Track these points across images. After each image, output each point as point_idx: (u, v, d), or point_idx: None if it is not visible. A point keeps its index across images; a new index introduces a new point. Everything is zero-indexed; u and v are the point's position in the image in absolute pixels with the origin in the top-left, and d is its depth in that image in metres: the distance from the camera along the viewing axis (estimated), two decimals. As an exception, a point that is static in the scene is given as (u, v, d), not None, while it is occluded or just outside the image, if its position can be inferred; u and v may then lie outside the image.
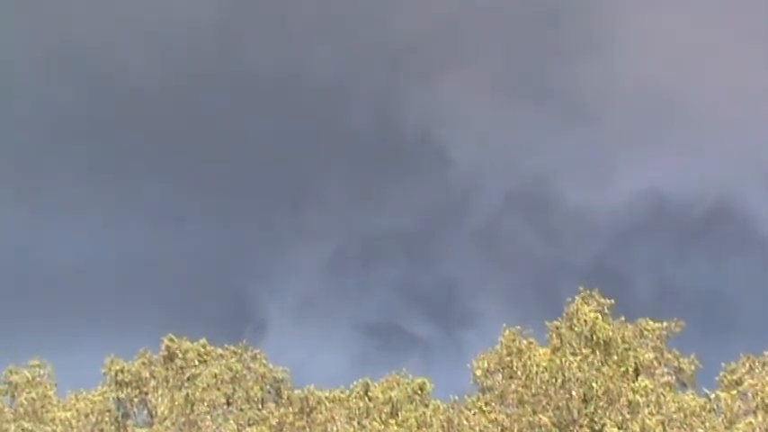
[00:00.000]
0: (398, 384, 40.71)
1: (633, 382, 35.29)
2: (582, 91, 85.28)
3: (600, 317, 36.98)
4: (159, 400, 42.94)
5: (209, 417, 41.42)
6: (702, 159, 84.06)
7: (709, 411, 35.19)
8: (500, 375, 37.27)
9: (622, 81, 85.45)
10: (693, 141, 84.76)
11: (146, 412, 43.50)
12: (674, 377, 37.85)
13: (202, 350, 44.31)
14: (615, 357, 36.29)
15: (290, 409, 40.39)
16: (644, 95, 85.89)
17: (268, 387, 43.59)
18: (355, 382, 41.11)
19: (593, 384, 34.75)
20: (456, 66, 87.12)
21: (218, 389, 42.42)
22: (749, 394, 37.09)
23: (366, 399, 39.90)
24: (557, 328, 37.28)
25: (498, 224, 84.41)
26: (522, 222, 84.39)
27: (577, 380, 34.90)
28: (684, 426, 34.13)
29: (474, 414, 35.93)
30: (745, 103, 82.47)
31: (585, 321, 36.81)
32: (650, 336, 38.18)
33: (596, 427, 34.46)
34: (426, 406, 38.76)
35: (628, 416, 34.30)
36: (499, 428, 35.13)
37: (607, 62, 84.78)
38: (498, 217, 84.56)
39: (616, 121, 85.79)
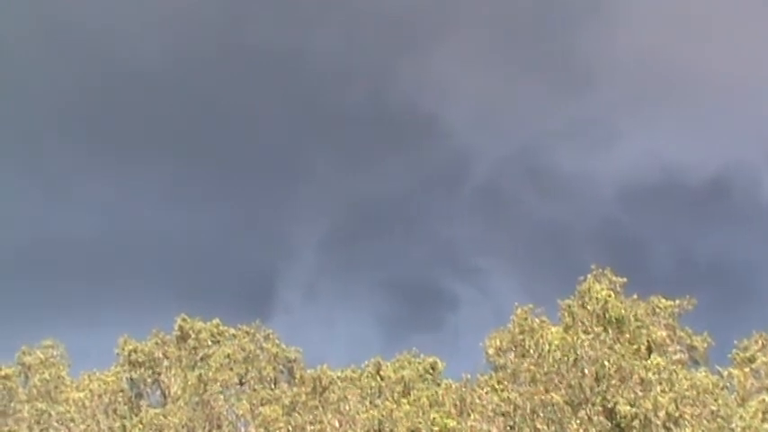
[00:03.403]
0: (410, 363, 40.76)
1: (645, 359, 35.22)
2: (584, 58, 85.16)
3: (612, 295, 36.93)
4: (172, 380, 43.00)
5: (222, 397, 41.45)
6: (705, 127, 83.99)
7: (722, 389, 35.13)
8: (512, 354, 37.23)
9: (624, 49, 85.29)
10: (696, 109, 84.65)
11: (159, 392, 43.58)
12: (686, 355, 37.76)
13: (215, 330, 44.36)
14: (627, 335, 36.24)
15: (303, 389, 40.39)
16: (646, 63, 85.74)
17: (281, 367, 43.64)
18: (367, 362, 41.20)
19: (606, 362, 34.68)
20: (454, 34, 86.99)
21: (231, 369, 42.45)
22: (762, 372, 37.07)
23: (378, 378, 39.94)
24: (569, 306, 37.24)
25: (498, 188, 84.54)
26: (523, 187, 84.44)
27: (590, 358, 34.85)
28: (697, 403, 34.06)
29: (486, 392, 35.91)
30: (747, 70, 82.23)
31: (597, 299, 36.76)
32: (662, 313, 38.10)
33: (608, 405, 34.41)
34: (438, 385, 38.80)
35: (640, 394, 34.24)
36: (511, 407, 35.09)
37: (609, 29, 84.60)
38: (497, 182, 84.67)
39: (618, 88, 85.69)
